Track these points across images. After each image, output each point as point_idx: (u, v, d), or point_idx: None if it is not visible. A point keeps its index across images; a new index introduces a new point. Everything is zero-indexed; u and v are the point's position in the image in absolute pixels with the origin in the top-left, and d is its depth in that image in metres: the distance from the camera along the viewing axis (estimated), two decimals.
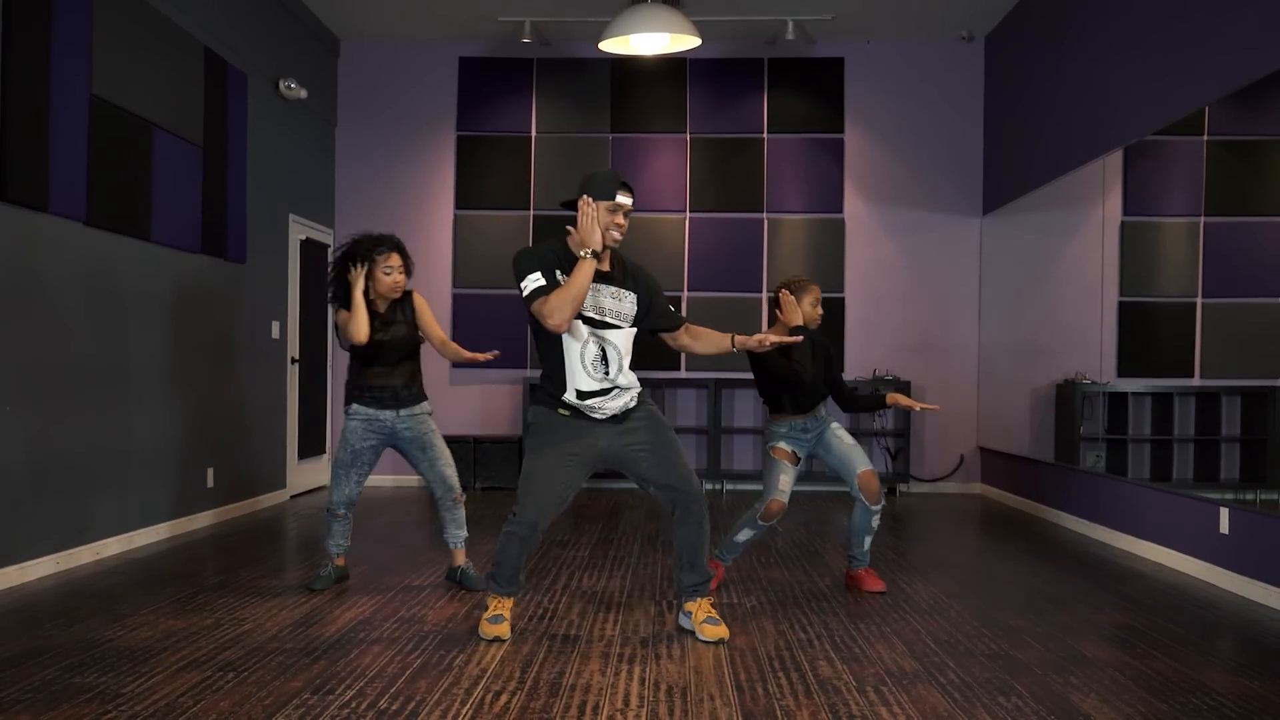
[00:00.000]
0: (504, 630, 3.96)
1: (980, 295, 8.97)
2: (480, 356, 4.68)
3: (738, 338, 3.94)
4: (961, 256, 9.02)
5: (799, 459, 4.77)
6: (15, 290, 4.89)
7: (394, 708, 3.18)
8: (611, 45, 7.39)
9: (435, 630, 4.11)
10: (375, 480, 9.02)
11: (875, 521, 4.75)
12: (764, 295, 8.97)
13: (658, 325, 4.05)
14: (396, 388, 4.71)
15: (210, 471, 6.77)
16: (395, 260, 4.68)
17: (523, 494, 3.88)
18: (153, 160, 6.01)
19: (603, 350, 3.87)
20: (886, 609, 4.56)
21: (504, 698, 3.29)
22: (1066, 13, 7.29)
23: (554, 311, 3.72)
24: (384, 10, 8.39)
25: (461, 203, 9.13)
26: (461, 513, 4.86)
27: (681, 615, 4.14)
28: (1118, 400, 8.10)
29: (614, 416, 3.93)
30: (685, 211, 9.05)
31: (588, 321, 3.85)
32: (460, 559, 4.91)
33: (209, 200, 6.67)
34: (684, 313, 8.99)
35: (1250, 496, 6.35)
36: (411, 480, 9.00)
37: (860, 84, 9.09)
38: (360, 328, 4.58)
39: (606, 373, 3.88)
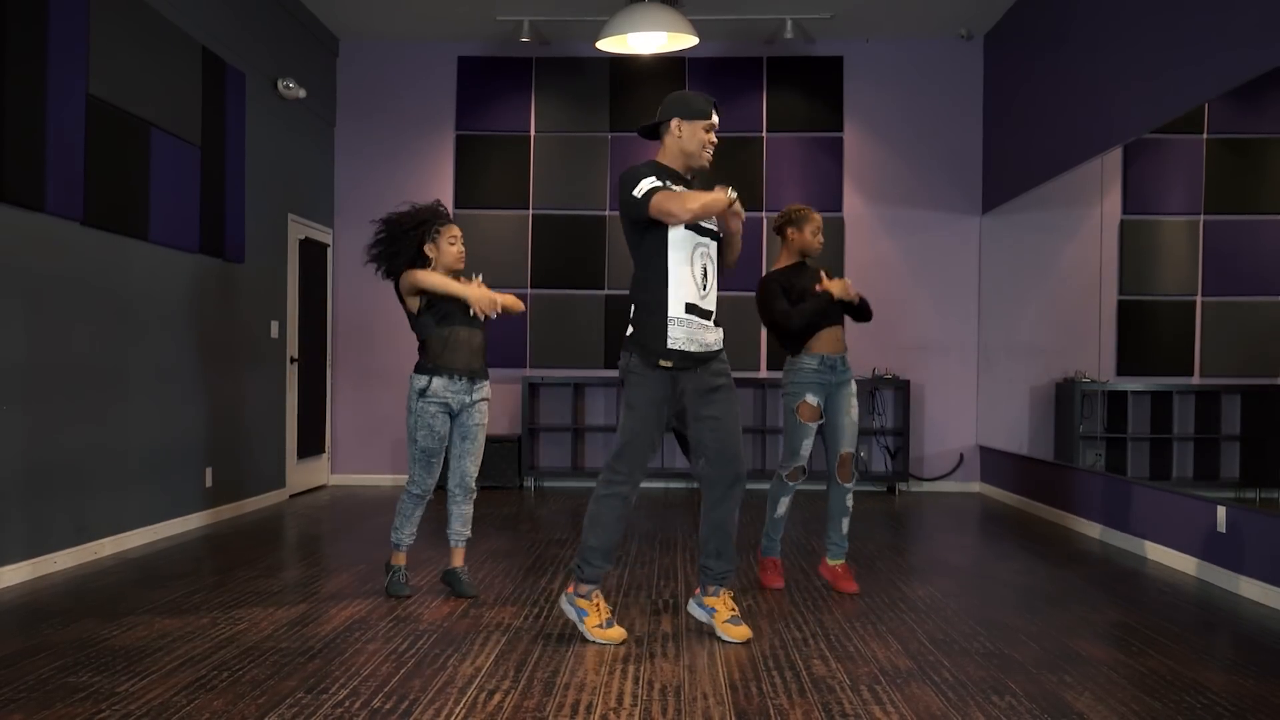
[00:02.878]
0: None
1: (979, 294, 8.96)
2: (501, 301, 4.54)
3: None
4: (961, 255, 9.01)
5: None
6: (13, 290, 4.89)
7: (387, 707, 3.18)
8: (609, 44, 7.40)
9: (430, 630, 4.11)
10: (374, 480, 9.04)
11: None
12: None
13: None
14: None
15: (208, 471, 6.77)
16: (458, 230, 4.70)
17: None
18: (150, 160, 6.01)
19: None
20: (882, 608, 4.56)
21: (497, 697, 3.29)
22: (1065, 10, 7.28)
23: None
24: (383, 10, 8.40)
25: (461, 202, 9.13)
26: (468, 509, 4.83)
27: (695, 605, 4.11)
28: (1117, 399, 8.09)
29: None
30: None
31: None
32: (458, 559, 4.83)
33: (207, 200, 6.67)
34: None
35: (1251, 495, 6.34)
36: None
37: (859, 83, 9.08)
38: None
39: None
